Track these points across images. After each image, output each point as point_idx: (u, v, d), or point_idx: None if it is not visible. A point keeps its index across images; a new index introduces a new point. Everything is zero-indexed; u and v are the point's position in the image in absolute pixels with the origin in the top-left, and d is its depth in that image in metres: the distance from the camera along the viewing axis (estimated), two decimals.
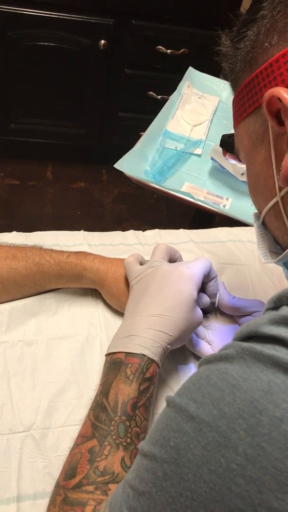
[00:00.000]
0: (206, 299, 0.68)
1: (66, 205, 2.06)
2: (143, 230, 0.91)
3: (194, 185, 1.13)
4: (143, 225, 1.98)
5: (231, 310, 0.70)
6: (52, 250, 0.71)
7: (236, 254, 0.89)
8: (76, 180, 2.17)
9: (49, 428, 0.59)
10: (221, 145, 0.78)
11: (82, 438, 0.52)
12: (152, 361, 0.56)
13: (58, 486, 0.49)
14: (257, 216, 0.54)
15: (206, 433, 0.34)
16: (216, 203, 1.09)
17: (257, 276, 0.85)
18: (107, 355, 0.59)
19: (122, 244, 0.86)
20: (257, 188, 0.49)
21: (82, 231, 0.86)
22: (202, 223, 1.30)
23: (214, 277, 0.68)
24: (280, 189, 0.45)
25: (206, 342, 0.68)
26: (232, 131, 0.53)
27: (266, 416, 0.32)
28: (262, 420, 0.32)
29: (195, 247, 0.88)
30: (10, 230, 0.82)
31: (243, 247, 0.90)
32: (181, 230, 0.93)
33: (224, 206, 1.10)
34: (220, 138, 1.09)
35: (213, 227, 0.96)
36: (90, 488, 0.47)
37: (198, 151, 1.21)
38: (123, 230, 0.89)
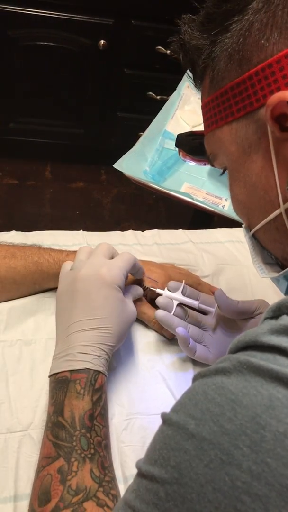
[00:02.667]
0: (139, 291, 0.68)
1: (65, 205, 2.06)
2: (142, 230, 0.90)
3: (193, 185, 1.13)
4: (142, 225, 1.98)
5: (236, 315, 0.68)
6: (51, 249, 0.70)
7: (235, 255, 0.89)
8: (75, 180, 2.17)
9: None
10: (177, 145, 0.68)
11: (47, 459, 0.51)
12: (98, 372, 0.56)
13: None
14: (246, 228, 0.51)
15: (208, 450, 0.33)
16: (215, 204, 1.09)
17: (256, 276, 0.85)
18: (50, 376, 0.58)
19: (121, 244, 0.85)
20: (252, 200, 0.46)
21: (81, 231, 0.86)
22: (201, 224, 1.29)
23: (139, 270, 0.66)
24: (285, 200, 0.42)
25: (204, 346, 0.68)
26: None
27: (269, 431, 0.31)
28: (266, 436, 0.31)
29: (194, 247, 0.88)
30: (8, 230, 0.82)
31: (242, 247, 0.91)
32: (180, 230, 0.93)
33: (223, 206, 1.10)
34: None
35: (212, 228, 0.96)
36: None
37: None
38: (122, 230, 0.89)
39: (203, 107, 0.48)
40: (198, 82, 0.48)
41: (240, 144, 0.44)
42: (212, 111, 0.46)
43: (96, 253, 0.63)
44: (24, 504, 0.53)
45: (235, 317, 0.68)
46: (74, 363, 0.56)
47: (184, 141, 0.63)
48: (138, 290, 0.68)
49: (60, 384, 0.56)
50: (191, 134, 0.55)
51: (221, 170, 0.51)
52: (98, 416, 0.54)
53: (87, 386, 0.55)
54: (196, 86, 0.49)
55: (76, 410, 0.53)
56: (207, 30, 0.43)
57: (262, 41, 0.38)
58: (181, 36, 0.46)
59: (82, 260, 0.63)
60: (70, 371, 0.56)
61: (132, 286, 0.67)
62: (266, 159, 0.42)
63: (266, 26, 0.38)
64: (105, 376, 0.58)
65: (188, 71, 0.48)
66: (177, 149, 1.17)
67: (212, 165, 0.51)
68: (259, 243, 0.50)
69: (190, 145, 0.55)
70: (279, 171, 0.41)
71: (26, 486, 0.54)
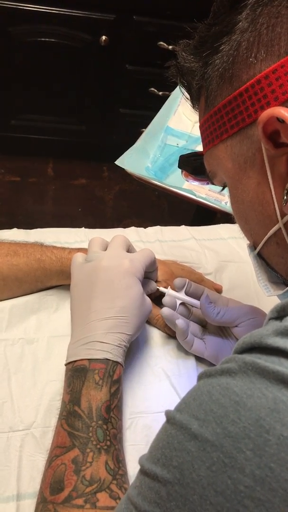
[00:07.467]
0: (153, 285, 0.68)
1: (67, 202, 2.06)
2: (145, 227, 0.90)
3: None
4: (145, 222, 1.96)
5: (217, 323, 0.66)
6: (53, 247, 0.70)
7: (237, 252, 0.88)
8: (77, 177, 2.16)
9: (50, 426, 0.59)
10: (180, 167, 0.68)
11: (61, 448, 0.51)
12: (117, 363, 0.57)
13: (45, 501, 0.48)
14: (251, 247, 0.51)
15: (210, 453, 0.33)
16: (217, 200, 1.09)
17: None
18: (67, 364, 0.58)
19: None
20: (251, 216, 0.46)
21: (83, 228, 0.86)
22: (203, 220, 1.29)
23: (155, 268, 0.68)
24: (283, 215, 0.42)
25: (202, 340, 0.68)
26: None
27: (273, 435, 0.31)
28: (270, 440, 0.31)
29: (197, 244, 0.88)
30: (10, 227, 0.82)
31: (244, 244, 0.89)
32: (183, 227, 0.92)
33: (225, 203, 1.09)
34: None
35: (214, 224, 0.95)
36: (80, 501, 0.47)
37: (200, 148, 1.20)
38: (124, 227, 0.89)
39: (200, 128, 0.50)
40: (195, 103, 0.50)
41: (236, 160, 0.44)
42: (208, 130, 0.47)
43: (115, 245, 0.63)
44: (27, 503, 0.53)
45: (216, 324, 0.67)
46: (93, 352, 0.56)
47: (187, 161, 0.64)
48: (152, 285, 0.68)
49: (78, 372, 0.56)
50: (194, 155, 0.56)
51: (221, 187, 0.53)
52: (115, 409, 0.55)
53: (105, 377, 0.55)
54: (193, 107, 0.50)
55: (94, 401, 0.54)
56: (199, 52, 0.45)
57: (250, 59, 0.40)
58: (177, 61, 0.48)
59: (96, 251, 0.63)
60: (89, 359, 0.56)
61: (146, 281, 0.67)
62: (261, 174, 0.42)
63: (253, 44, 0.39)
64: (123, 367, 0.58)
65: (186, 93, 0.50)
66: (178, 145, 1.18)
67: (212, 183, 0.53)
68: (264, 261, 0.50)
69: (193, 166, 0.56)
70: (275, 186, 0.41)
71: (28, 485, 0.54)
